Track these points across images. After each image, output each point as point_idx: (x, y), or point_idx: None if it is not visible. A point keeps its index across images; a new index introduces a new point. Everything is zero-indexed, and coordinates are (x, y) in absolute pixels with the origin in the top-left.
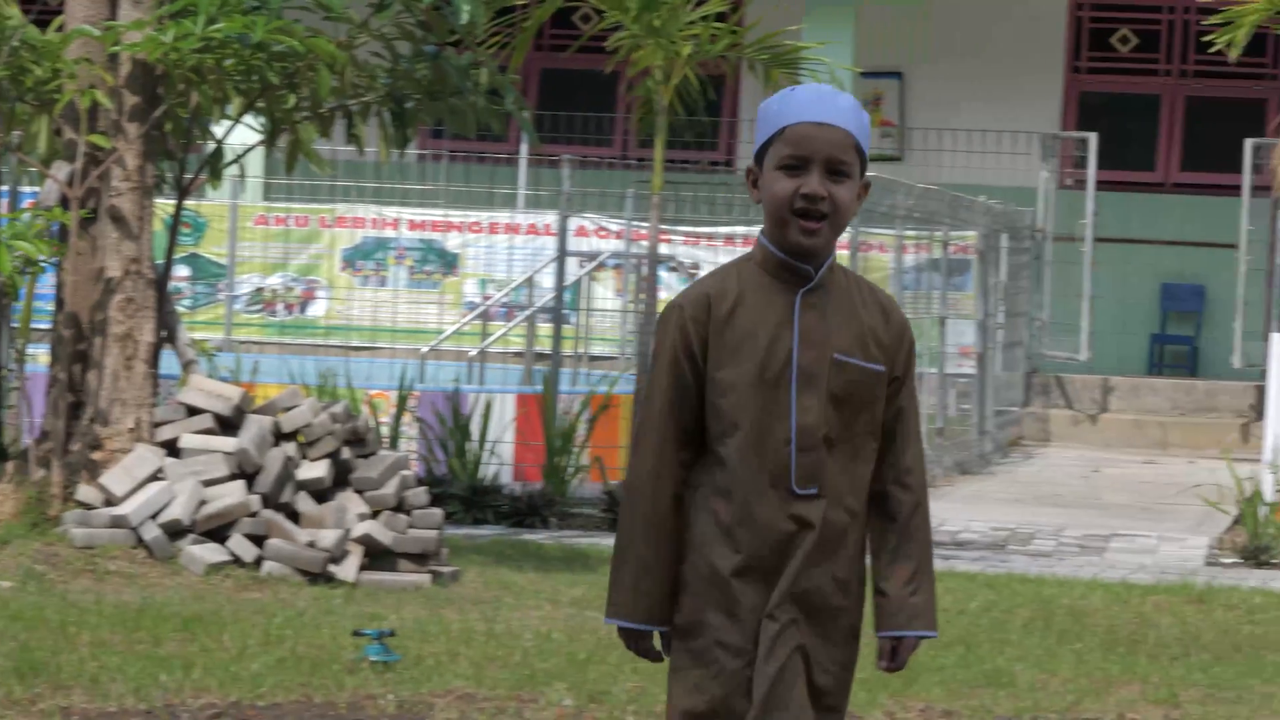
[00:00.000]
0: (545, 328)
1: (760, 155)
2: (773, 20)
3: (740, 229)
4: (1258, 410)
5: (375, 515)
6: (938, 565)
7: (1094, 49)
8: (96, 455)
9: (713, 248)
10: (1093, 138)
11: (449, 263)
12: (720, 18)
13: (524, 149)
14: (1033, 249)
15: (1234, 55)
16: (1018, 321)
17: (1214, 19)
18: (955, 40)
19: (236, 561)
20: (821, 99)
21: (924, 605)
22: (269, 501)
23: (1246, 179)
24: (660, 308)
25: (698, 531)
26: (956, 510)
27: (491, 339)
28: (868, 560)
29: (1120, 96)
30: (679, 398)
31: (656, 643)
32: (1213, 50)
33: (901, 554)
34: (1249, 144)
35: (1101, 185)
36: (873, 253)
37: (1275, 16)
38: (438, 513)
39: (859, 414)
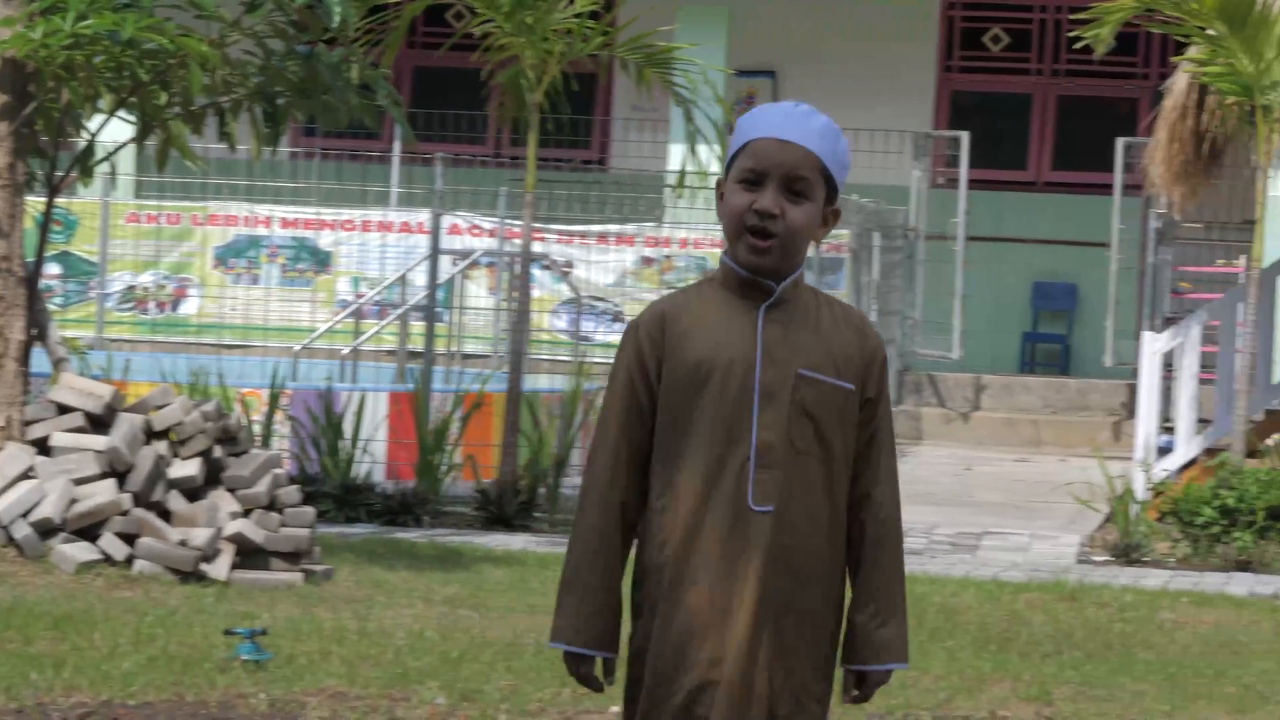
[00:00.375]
0: (418, 326)
1: (728, 169)
2: (646, 20)
3: (614, 227)
4: (1129, 409)
5: (247, 514)
6: None
7: (966, 48)
8: None
9: (585, 246)
10: (965, 137)
11: (321, 261)
12: (593, 16)
13: (397, 147)
14: (905, 248)
15: (1100, 52)
16: (890, 320)
17: (1081, 15)
18: (828, 39)
19: (108, 560)
20: (790, 117)
21: (892, 637)
22: (140, 500)
23: (1118, 178)
24: (534, 305)
25: (649, 555)
26: None
27: (364, 337)
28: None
29: (992, 95)
30: (632, 419)
31: (599, 670)
32: (1080, 46)
33: (870, 585)
34: (1120, 143)
35: (973, 184)
36: None
37: (1144, 14)
38: (310, 511)
39: (831, 433)
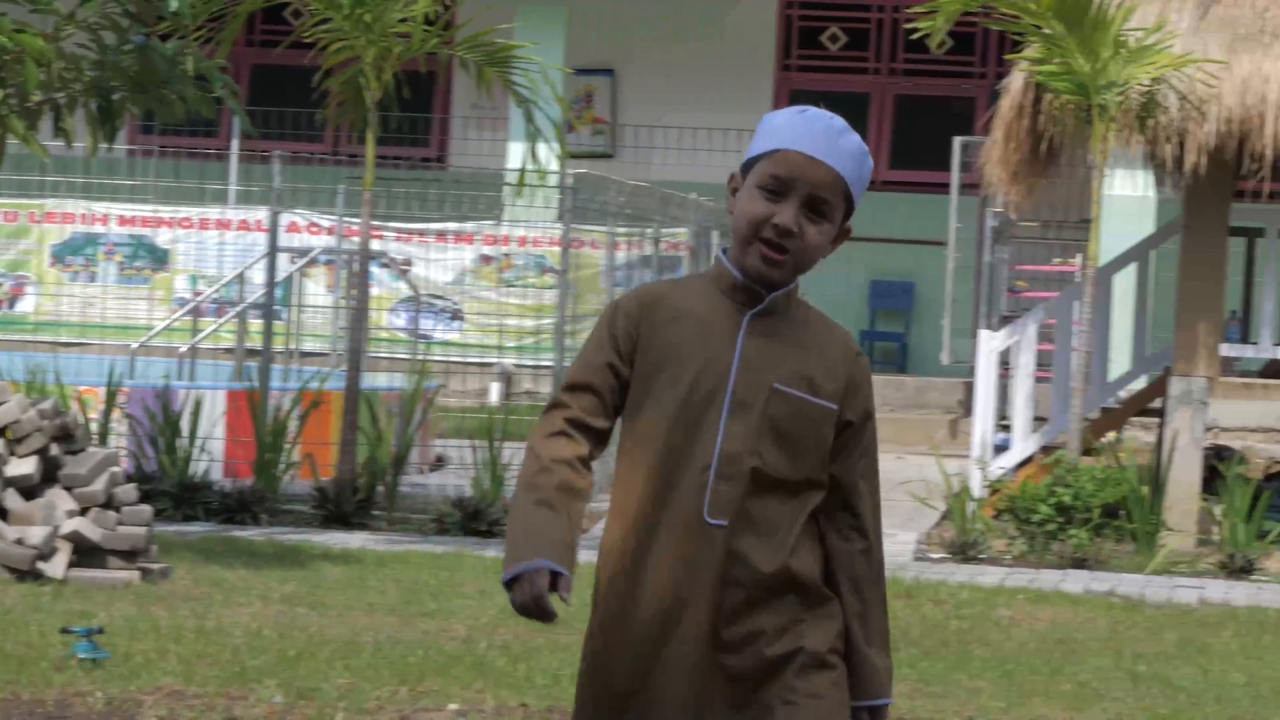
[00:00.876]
0: (256, 324)
1: (747, 166)
2: (485, 18)
3: (452, 225)
4: (966, 407)
5: (84, 512)
6: None
7: (804, 47)
8: None
9: (424, 244)
10: None
11: (159, 259)
12: (430, 18)
13: (235, 144)
14: None
15: (935, 43)
16: None
17: (917, 8)
18: (667, 38)
19: None
20: (826, 133)
21: (889, 670)
22: None
23: (955, 177)
24: (372, 303)
25: (602, 567)
26: None
27: (202, 335)
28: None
29: (830, 94)
30: (597, 382)
31: (553, 597)
32: (916, 39)
33: (873, 622)
34: (957, 142)
35: None
36: (585, 249)
37: (981, 12)
38: (147, 509)
39: (804, 454)
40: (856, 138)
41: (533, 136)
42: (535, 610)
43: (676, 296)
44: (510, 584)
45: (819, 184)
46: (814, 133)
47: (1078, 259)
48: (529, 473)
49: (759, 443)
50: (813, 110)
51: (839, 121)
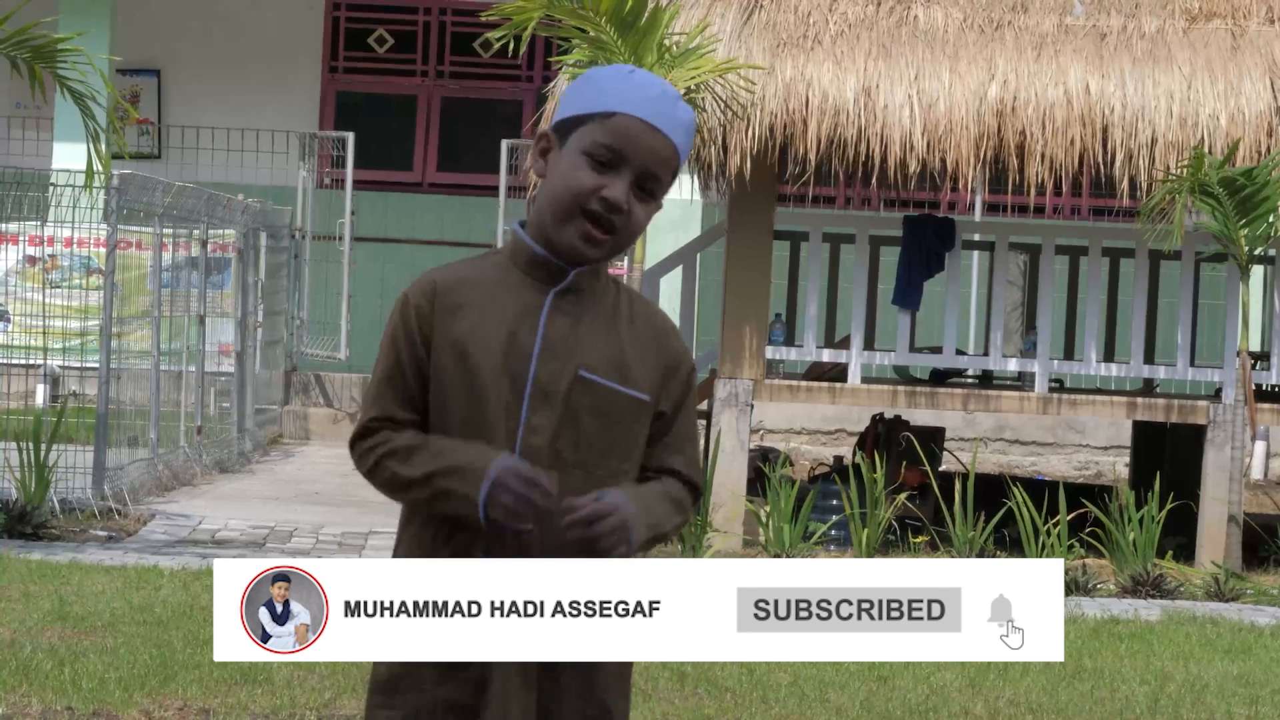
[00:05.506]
0: None
1: (565, 127)
2: (27, 12)
3: None
4: None
5: None
6: (197, 565)
7: (351, 49)
8: None
9: None
10: (350, 137)
11: None
12: None
13: None
14: (292, 248)
15: (494, 50)
16: (277, 320)
17: (491, 14)
18: (214, 38)
19: None
20: (663, 99)
21: (644, 510)
22: None
23: (503, 179)
24: None
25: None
26: (216, 508)
27: None
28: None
29: (377, 97)
30: (397, 379)
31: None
32: (491, 51)
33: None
34: (505, 144)
35: (360, 185)
36: (131, 251)
37: (547, 20)
38: None
39: (612, 448)
40: (688, 107)
41: (97, 135)
42: (536, 489)
43: (469, 278)
44: (488, 510)
45: (656, 159)
46: (651, 98)
47: (624, 262)
48: (401, 467)
49: (561, 435)
50: (641, 72)
51: (671, 87)
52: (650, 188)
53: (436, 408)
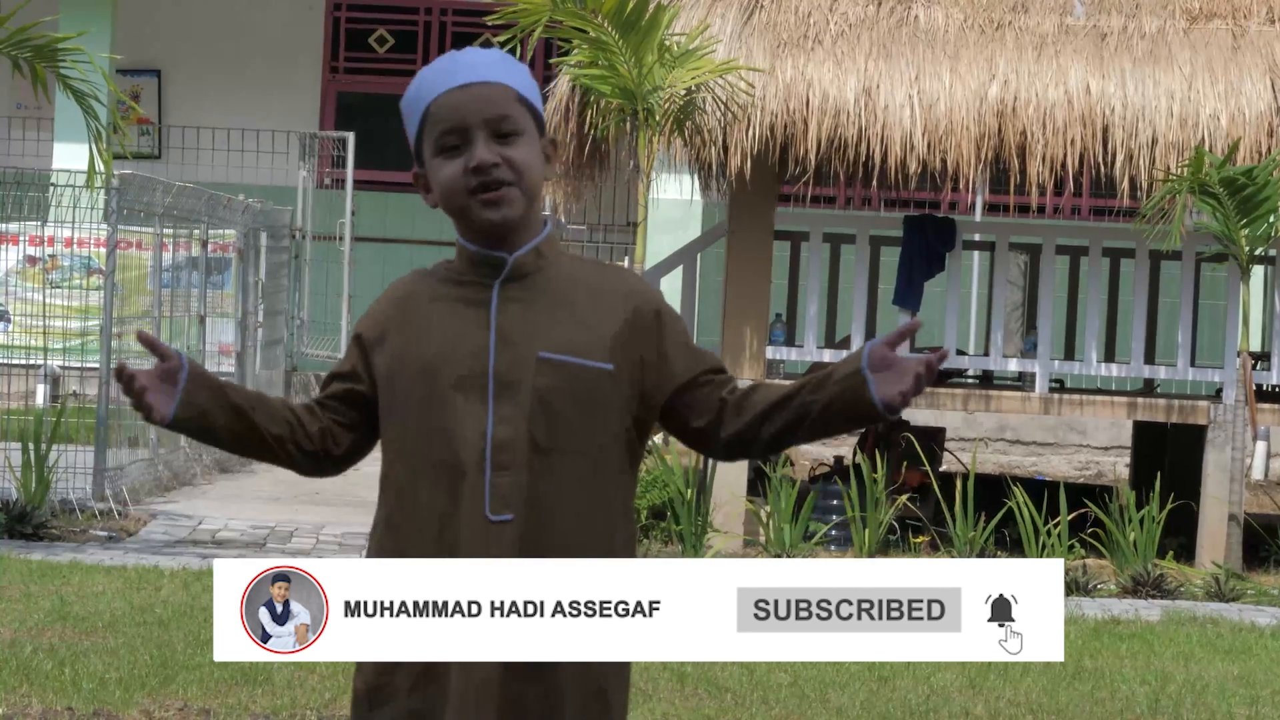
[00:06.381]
0: None
1: (420, 153)
2: (27, 12)
3: None
4: None
5: None
6: (197, 565)
7: (352, 49)
8: None
9: None
10: (350, 137)
11: None
12: None
13: None
14: (292, 248)
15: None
16: (277, 320)
17: (496, 18)
18: (214, 38)
19: None
20: (458, 61)
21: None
22: None
23: None
24: None
25: None
26: (216, 508)
27: None
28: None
29: (378, 97)
30: (335, 392)
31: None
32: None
33: (794, 389)
34: None
35: (360, 185)
36: (132, 251)
37: (549, 22)
38: None
39: (591, 425)
40: (495, 48)
41: (100, 134)
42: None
43: (419, 288)
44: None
45: (487, 104)
46: (441, 69)
47: (625, 261)
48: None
49: (532, 422)
50: (435, 59)
51: (467, 49)
52: (506, 129)
53: (395, 425)
